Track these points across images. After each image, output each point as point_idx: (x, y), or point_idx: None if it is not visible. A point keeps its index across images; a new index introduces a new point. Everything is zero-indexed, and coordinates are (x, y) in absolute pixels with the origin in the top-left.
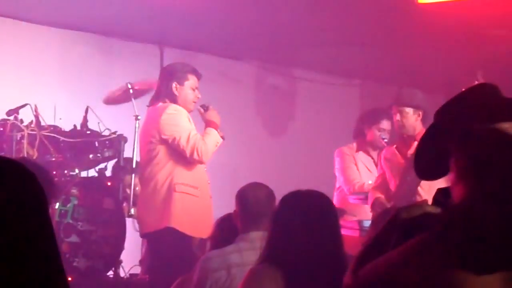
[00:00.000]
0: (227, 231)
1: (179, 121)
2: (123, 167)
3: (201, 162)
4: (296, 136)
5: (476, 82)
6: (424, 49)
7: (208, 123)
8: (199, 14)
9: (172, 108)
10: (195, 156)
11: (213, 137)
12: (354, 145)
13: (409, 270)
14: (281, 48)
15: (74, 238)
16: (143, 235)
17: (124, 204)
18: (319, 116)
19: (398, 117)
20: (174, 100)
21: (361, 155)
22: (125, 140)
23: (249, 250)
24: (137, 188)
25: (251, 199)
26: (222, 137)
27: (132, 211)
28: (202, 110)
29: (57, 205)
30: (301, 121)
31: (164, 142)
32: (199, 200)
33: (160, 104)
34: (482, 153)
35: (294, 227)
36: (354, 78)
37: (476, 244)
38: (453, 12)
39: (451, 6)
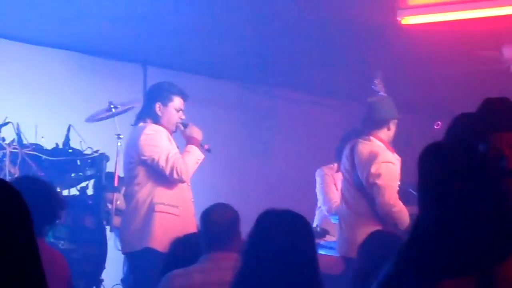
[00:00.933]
0: (186, 250)
1: (158, 141)
2: (105, 185)
3: (181, 181)
4: (278, 156)
5: (376, 82)
6: (408, 70)
7: (189, 140)
8: (182, 34)
9: (151, 128)
10: (175, 175)
11: (193, 155)
12: (335, 165)
13: None
14: (264, 68)
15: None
16: (124, 254)
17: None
18: (301, 136)
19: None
20: (156, 120)
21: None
22: (107, 158)
23: (212, 270)
24: (118, 202)
25: (214, 220)
26: (208, 149)
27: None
28: (181, 127)
29: None
30: (283, 141)
31: (143, 162)
32: (180, 219)
33: (141, 124)
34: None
35: (266, 247)
36: (337, 99)
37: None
38: (436, 33)
39: (434, 27)
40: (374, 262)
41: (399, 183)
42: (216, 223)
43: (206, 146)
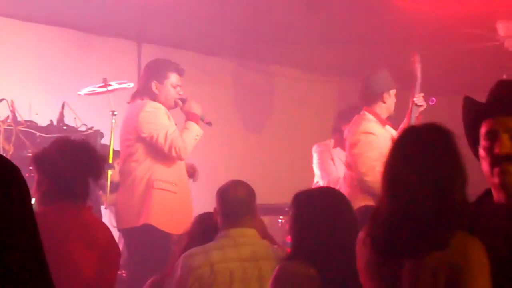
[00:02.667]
0: (205, 228)
1: (157, 119)
2: None
3: (180, 159)
4: (274, 133)
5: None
6: (404, 47)
7: (188, 116)
8: (176, 10)
9: (150, 105)
10: (173, 153)
11: (192, 131)
12: (332, 141)
13: None
14: (259, 44)
15: None
16: (120, 231)
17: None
18: (297, 113)
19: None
20: (154, 98)
21: (338, 151)
22: (101, 135)
23: (230, 247)
24: (113, 181)
25: (231, 197)
26: (209, 123)
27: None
28: (180, 103)
29: (33, 200)
30: (279, 118)
31: (142, 140)
32: (177, 196)
33: (138, 101)
34: None
35: (318, 224)
36: (333, 75)
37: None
38: (431, 10)
39: (429, 4)
40: None
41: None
42: (232, 200)
43: (206, 120)
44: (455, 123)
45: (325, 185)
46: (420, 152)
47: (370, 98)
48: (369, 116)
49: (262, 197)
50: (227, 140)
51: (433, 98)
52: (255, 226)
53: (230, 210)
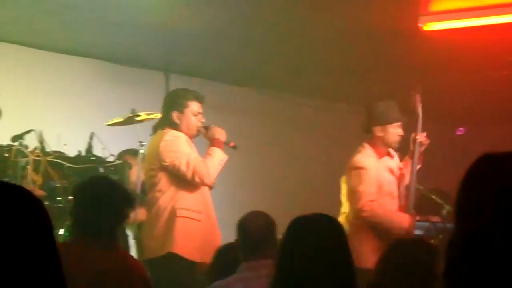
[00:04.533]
0: (227, 261)
1: (178, 147)
2: None
3: (204, 185)
4: (300, 162)
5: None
6: (429, 76)
7: (211, 142)
8: (203, 41)
9: (170, 134)
10: (197, 179)
11: (216, 157)
12: None
13: None
14: (285, 75)
15: None
16: (145, 261)
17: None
18: (324, 143)
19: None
20: (176, 128)
21: None
22: (129, 166)
23: (253, 279)
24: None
25: (251, 228)
26: (234, 147)
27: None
28: (203, 130)
29: (61, 231)
30: (306, 148)
31: (164, 169)
32: (202, 224)
33: (159, 131)
34: None
35: (301, 252)
36: (359, 105)
37: None
38: (458, 38)
39: (456, 33)
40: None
41: (420, 187)
42: (253, 231)
43: (231, 144)
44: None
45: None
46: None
47: (368, 130)
48: (367, 148)
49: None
50: (254, 169)
51: (461, 128)
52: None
53: (252, 241)
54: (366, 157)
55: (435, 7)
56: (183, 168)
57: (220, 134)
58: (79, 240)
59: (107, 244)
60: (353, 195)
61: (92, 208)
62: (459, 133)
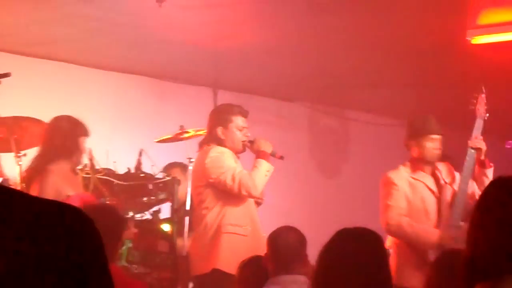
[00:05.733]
0: (253, 273)
1: (223, 162)
2: (177, 209)
3: (251, 197)
4: (349, 177)
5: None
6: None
7: (257, 154)
8: (251, 57)
9: (215, 150)
10: (243, 192)
11: (262, 169)
12: None
13: None
14: (334, 89)
15: None
16: (192, 278)
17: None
18: (372, 157)
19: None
20: (221, 143)
21: None
22: (178, 182)
23: None
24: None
25: (282, 243)
26: (281, 157)
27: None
28: (249, 144)
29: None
30: (354, 162)
31: (210, 185)
32: (248, 239)
33: (205, 147)
34: None
35: (340, 264)
36: (406, 118)
37: None
38: (507, 51)
39: (505, 46)
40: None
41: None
42: (283, 246)
43: (278, 155)
44: None
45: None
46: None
47: (406, 144)
48: (406, 164)
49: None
50: (301, 184)
51: (511, 142)
52: (306, 272)
53: (281, 256)
54: (399, 173)
55: (483, 20)
56: (229, 182)
57: (265, 146)
58: None
59: None
60: (383, 209)
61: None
62: (508, 146)
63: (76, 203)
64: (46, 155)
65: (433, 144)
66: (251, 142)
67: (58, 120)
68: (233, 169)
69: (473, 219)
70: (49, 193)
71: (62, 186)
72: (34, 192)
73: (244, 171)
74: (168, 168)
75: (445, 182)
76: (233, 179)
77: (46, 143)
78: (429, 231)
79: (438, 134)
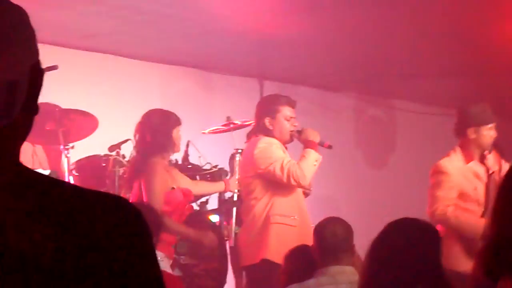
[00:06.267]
0: (300, 263)
1: (271, 153)
2: (226, 200)
3: (300, 186)
4: (396, 168)
5: None
6: None
7: (305, 144)
8: (297, 46)
9: (263, 141)
10: (292, 181)
11: (310, 158)
12: None
13: None
14: (381, 79)
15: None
16: (242, 268)
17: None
18: (419, 147)
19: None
20: (269, 134)
21: None
22: (226, 173)
23: (329, 284)
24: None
25: (329, 234)
26: (329, 146)
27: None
28: (296, 135)
29: None
30: (401, 152)
31: (259, 176)
32: (297, 229)
33: (253, 138)
34: None
35: (394, 255)
36: (454, 108)
37: None
38: None
39: None
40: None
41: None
42: (330, 237)
43: (326, 145)
44: None
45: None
46: None
47: (460, 132)
48: (457, 152)
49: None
50: (348, 175)
51: None
52: (353, 263)
53: (329, 247)
54: (451, 161)
55: None
56: (278, 172)
57: (313, 135)
58: None
59: None
60: (430, 198)
61: None
62: None
63: (179, 196)
64: (143, 152)
65: (489, 132)
66: (299, 132)
67: (150, 115)
68: (281, 159)
69: (499, 199)
70: (158, 185)
71: (167, 179)
72: (140, 187)
73: (293, 161)
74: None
75: (493, 172)
76: (282, 169)
77: (140, 140)
78: (473, 222)
79: (494, 123)
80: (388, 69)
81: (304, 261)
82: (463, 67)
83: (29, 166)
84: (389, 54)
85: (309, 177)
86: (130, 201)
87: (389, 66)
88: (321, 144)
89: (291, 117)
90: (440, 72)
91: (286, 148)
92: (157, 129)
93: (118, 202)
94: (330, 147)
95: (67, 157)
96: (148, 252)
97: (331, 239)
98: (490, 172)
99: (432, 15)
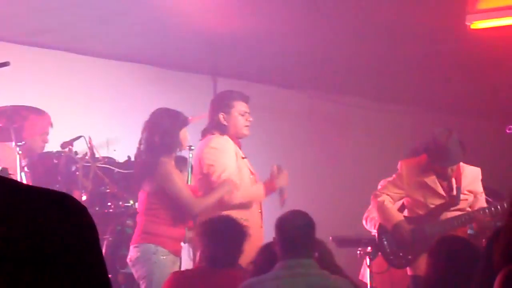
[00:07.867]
0: (267, 258)
1: (218, 157)
2: None
3: (230, 203)
4: (349, 165)
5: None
6: (476, 75)
7: (268, 188)
8: (251, 44)
9: (215, 142)
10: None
11: (260, 194)
12: None
13: None
14: (333, 76)
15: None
16: None
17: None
18: (370, 143)
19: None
20: (224, 130)
21: None
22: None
23: (287, 277)
24: None
25: (289, 227)
26: (283, 202)
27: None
28: (275, 171)
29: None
30: (353, 149)
31: (205, 176)
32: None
33: (208, 136)
34: None
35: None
36: (404, 104)
37: None
38: (506, 36)
39: (504, 30)
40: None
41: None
42: (290, 230)
43: (282, 198)
44: None
45: None
46: None
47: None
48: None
49: (339, 230)
50: (301, 171)
51: (511, 126)
52: (319, 256)
53: (288, 240)
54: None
55: (482, 5)
56: (214, 179)
57: (283, 182)
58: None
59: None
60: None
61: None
62: (509, 131)
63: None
64: (152, 152)
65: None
66: (279, 170)
67: (158, 115)
68: (222, 170)
69: None
70: (180, 181)
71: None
72: (155, 187)
73: (234, 175)
74: None
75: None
76: (218, 178)
77: (148, 139)
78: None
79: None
80: (339, 66)
81: (272, 254)
82: (416, 64)
83: None
84: (340, 51)
85: (240, 201)
86: (140, 198)
87: (339, 62)
88: (280, 193)
89: (246, 112)
90: (391, 69)
91: (240, 144)
92: (166, 130)
93: (61, 197)
94: (283, 202)
95: (18, 154)
96: (92, 245)
97: (290, 232)
98: None
99: (384, 12)
